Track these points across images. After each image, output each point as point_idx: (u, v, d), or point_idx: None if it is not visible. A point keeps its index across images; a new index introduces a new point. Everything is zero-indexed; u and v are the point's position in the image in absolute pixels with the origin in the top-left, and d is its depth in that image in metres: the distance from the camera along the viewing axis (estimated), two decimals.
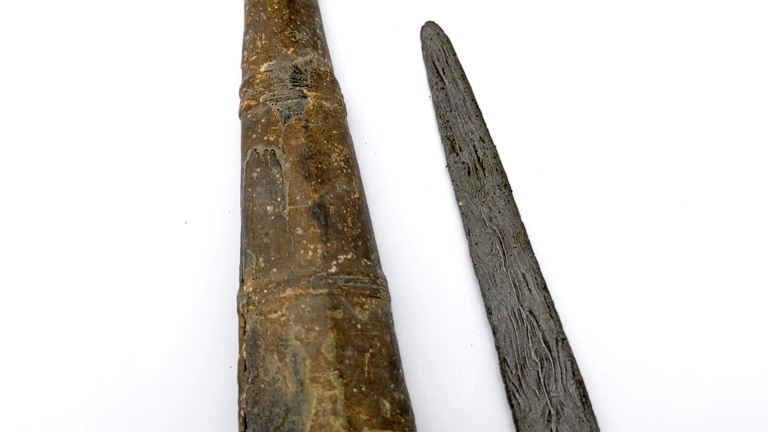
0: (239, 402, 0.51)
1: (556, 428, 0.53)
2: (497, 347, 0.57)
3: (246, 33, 0.69)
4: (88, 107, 0.73)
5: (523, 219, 0.64)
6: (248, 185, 0.59)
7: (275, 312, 0.52)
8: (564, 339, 0.57)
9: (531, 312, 0.58)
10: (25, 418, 0.56)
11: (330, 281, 0.53)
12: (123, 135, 0.71)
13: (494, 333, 0.58)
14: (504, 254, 0.61)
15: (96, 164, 0.69)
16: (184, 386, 0.58)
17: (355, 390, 0.49)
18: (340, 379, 0.49)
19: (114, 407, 0.57)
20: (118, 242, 0.65)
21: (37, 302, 0.61)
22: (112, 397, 0.57)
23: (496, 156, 0.67)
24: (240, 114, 0.64)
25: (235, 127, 0.69)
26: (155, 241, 0.65)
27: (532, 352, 0.56)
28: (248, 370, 0.51)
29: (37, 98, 0.74)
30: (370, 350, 0.51)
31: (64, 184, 0.68)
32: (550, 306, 0.58)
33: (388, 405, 0.49)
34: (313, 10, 0.71)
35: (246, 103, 0.63)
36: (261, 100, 0.62)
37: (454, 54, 0.74)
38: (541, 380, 0.55)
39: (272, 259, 0.54)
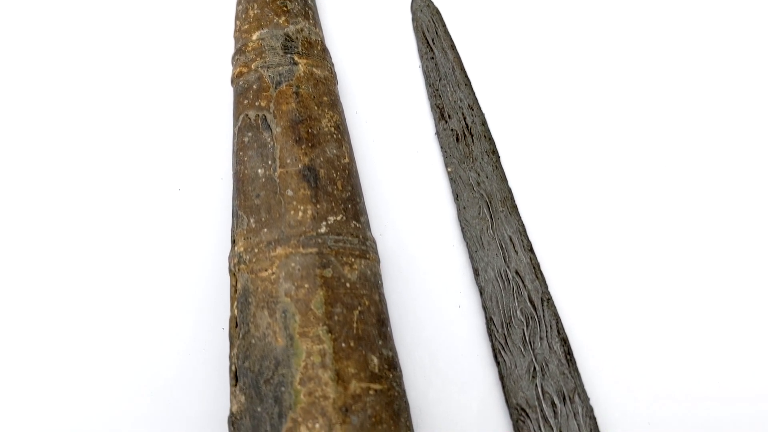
0: (230, 357, 0.52)
1: (541, 384, 0.54)
2: (484, 307, 0.58)
3: (239, 3, 0.70)
4: (83, 74, 0.74)
5: (511, 184, 0.65)
6: (240, 149, 0.59)
7: (266, 270, 0.53)
8: (549, 299, 0.58)
9: (517, 273, 0.59)
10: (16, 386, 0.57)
11: (320, 241, 0.54)
12: (118, 105, 0.72)
13: (481, 293, 0.59)
14: (491, 218, 0.62)
15: (91, 132, 0.70)
16: (178, 348, 0.59)
17: (343, 345, 0.50)
18: (329, 334, 0.50)
19: (109, 371, 0.58)
20: (113, 209, 0.65)
21: (27, 271, 0.62)
22: (107, 361, 0.58)
23: (484, 123, 0.68)
24: (232, 81, 0.65)
25: (227, 96, 0.70)
26: (149, 208, 0.66)
27: (518, 312, 0.57)
28: (239, 326, 0.52)
29: (30, 63, 0.74)
30: (359, 308, 0.52)
31: (60, 153, 0.69)
32: (535, 267, 0.60)
33: (376, 360, 0.50)
34: None
35: (238, 70, 0.64)
36: (253, 67, 0.63)
37: (444, 25, 0.75)
38: (527, 338, 0.56)
39: (263, 219, 0.55)
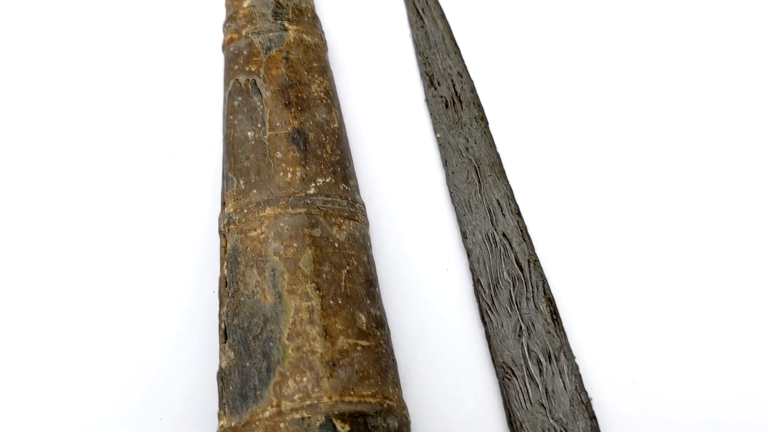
0: (219, 315, 0.52)
1: (527, 343, 0.55)
2: (471, 269, 0.59)
3: None
4: (76, 45, 0.74)
5: (499, 149, 0.66)
6: (230, 113, 0.60)
7: (255, 230, 0.53)
8: (536, 260, 0.59)
9: (504, 235, 0.60)
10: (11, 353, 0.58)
11: (308, 202, 0.54)
12: (111, 75, 0.72)
13: (469, 256, 0.60)
14: (479, 182, 0.63)
15: (83, 101, 0.70)
16: (171, 311, 0.59)
17: (331, 302, 0.50)
18: (317, 292, 0.50)
19: (99, 333, 0.58)
20: (105, 178, 0.66)
21: (23, 236, 0.63)
22: (98, 323, 0.58)
23: (473, 90, 0.69)
24: (223, 48, 0.65)
25: (219, 65, 0.70)
26: (141, 175, 0.66)
27: (505, 273, 0.58)
28: (228, 285, 0.53)
29: (19, 32, 0.75)
30: (347, 267, 0.53)
31: (53, 124, 0.69)
32: (523, 230, 0.60)
33: (363, 318, 0.51)
34: None
35: (229, 36, 0.65)
36: (243, 33, 0.64)
37: None
38: (513, 299, 0.57)
39: (252, 181, 0.56)
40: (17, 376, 0.55)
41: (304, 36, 0.64)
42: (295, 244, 0.52)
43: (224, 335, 0.51)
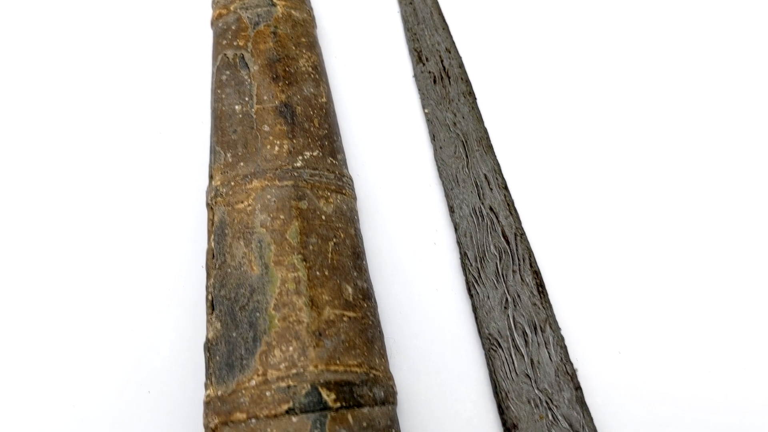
0: (207, 287, 0.52)
1: (513, 315, 0.55)
2: (458, 243, 0.59)
3: None
4: (66, 23, 0.74)
5: (486, 124, 0.66)
6: (218, 87, 0.60)
7: (242, 202, 0.53)
8: (522, 233, 0.59)
9: (491, 209, 0.60)
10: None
11: (295, 174, 0.54)
12: (100, 53, 0.72)
13: (456, 230, 0.60)
14: (467, 157, 0.63)
15: (72, 79, 0.70)
16: (157, 286, 0.59)
17: (318, 273, 0.50)
18: (304, 263, 0.50)
19: (91, 310, 0.58)
20: (95, 155, 0.66)
21: (10, 215, 0.63)
22: (89, 302, 0.58)
23: (461, 66, 0.69)
24: (212, 24, 0.65)
25: (208, 42, 0.70)
26: (130, 152, 0.66)
27: (492, 246, 0.58)
28: (216, 257, 0.53)
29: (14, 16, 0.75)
30: (334, 239, 0.53)
31: (43, 102, 0.69)
32: (510, 204, 0.60)
33: (350, 290, 0.51)
34: None
35: (217, 12, 0.65)
36: (232, 8, 0.64)
37: None
38: (500, 272, 0.57)
39: (240, 154, 0.56)
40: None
41: (293, 11, 0.64)
42: (281, 216, 0.52)
43: (211, 306, 0.51)
